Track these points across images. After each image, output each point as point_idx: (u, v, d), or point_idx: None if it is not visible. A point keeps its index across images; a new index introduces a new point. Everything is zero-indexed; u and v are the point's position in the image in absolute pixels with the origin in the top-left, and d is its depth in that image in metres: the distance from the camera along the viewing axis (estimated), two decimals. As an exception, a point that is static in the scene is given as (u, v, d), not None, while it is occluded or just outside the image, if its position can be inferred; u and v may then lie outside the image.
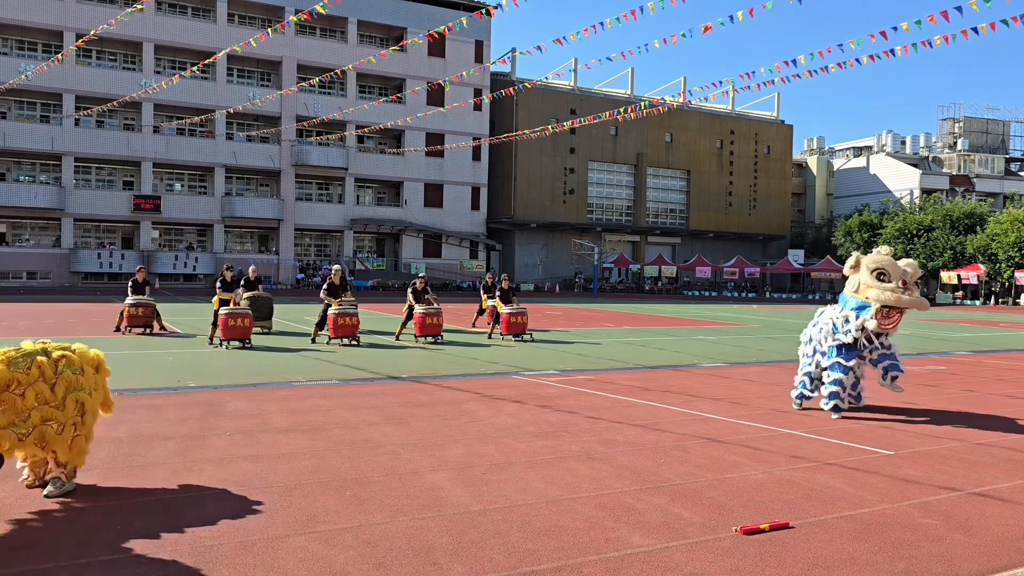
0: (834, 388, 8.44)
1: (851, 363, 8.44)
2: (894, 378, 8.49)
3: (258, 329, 16.43)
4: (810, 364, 8.86)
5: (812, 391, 8.90)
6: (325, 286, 15.70)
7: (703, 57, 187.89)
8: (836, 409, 8.45)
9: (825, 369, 8.63)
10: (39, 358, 4.93)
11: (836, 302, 8.99)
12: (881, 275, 8.20)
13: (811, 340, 8.93)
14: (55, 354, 5.05)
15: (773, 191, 67.86)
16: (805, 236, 71.05)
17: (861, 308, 8.32)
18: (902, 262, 8.37)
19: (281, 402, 8.83)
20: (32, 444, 4.83)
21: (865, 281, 8.28)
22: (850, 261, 8.62)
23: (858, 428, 7.99)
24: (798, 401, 9.01)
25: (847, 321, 8.46)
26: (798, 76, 15.31)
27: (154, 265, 47.45)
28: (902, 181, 68.55)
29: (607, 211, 62.63)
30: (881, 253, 8.47)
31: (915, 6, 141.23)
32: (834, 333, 8.51)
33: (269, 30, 19.99)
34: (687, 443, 7.08)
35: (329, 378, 10.82)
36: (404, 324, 16.75)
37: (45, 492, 5.05)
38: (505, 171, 58.09)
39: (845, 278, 8.89)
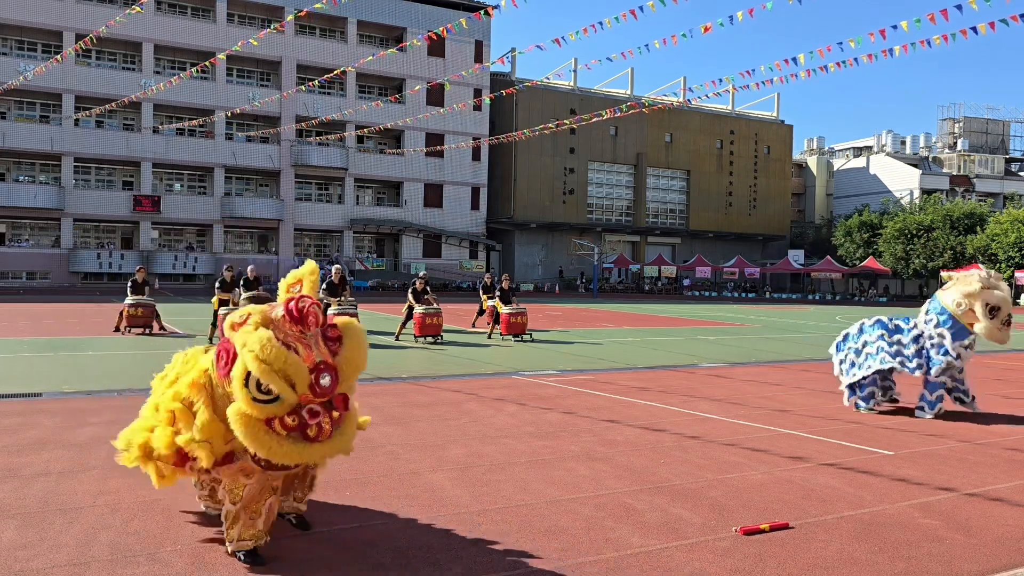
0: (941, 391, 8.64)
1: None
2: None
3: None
4: (872, 364, 8.81)
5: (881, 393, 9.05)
6: (324, 285, 15.70)
7: (703, 57, 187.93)
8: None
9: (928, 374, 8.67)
10: None
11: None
12: (994, 311, 8.31)
13: (871, 344, 8.90)
14: None
15: (773, 191, 67.80)
16: (805, 236, 71.02)
17: (957, 332, 8.45)
18: (1003, 294, 8.41)
19: (281, 402, 8.80)
20: None
21: (979, 313, 8.33)
22: (965, 280, 8.52)
23: (858, 428, 7.99)
24: (869, 405, 8.96)
25: (943, 341, 8.55)
26: (797, 76, 15.30)
27: (154, 265, 47.38)
28: (902, 181, 68.51)
29: (607, 211, 62.59)
30: (1001, 287, 8.46)
31: (915, 6, 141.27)
32: (940, 351, 8.55)
33: (269, 29, 19.96)
34: (687, 443, 7.07)
35: (329, 378, 10.79)
36: (404, 324, 16.75)
37: None
38: (505, 171, 58.05)
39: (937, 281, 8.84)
